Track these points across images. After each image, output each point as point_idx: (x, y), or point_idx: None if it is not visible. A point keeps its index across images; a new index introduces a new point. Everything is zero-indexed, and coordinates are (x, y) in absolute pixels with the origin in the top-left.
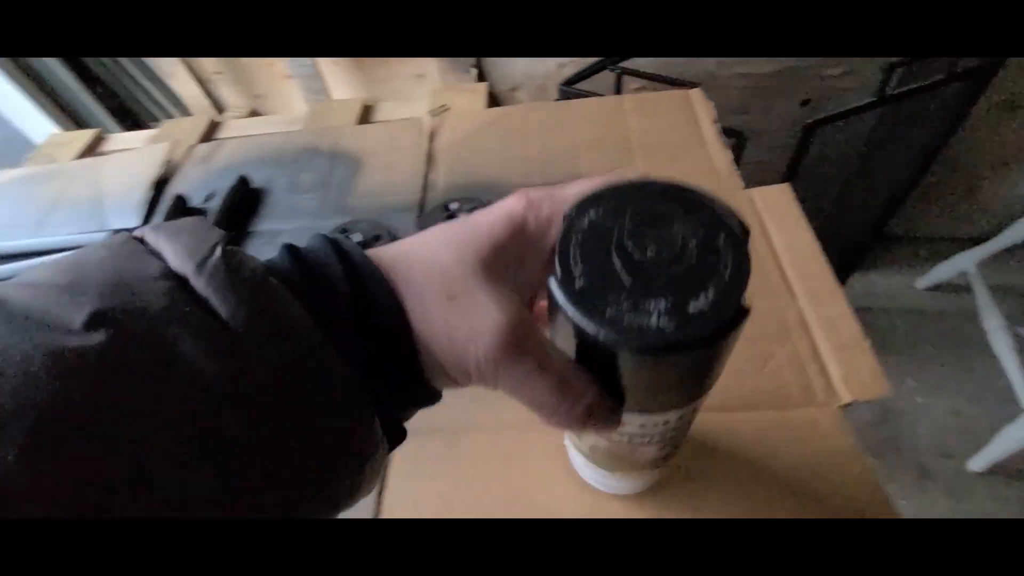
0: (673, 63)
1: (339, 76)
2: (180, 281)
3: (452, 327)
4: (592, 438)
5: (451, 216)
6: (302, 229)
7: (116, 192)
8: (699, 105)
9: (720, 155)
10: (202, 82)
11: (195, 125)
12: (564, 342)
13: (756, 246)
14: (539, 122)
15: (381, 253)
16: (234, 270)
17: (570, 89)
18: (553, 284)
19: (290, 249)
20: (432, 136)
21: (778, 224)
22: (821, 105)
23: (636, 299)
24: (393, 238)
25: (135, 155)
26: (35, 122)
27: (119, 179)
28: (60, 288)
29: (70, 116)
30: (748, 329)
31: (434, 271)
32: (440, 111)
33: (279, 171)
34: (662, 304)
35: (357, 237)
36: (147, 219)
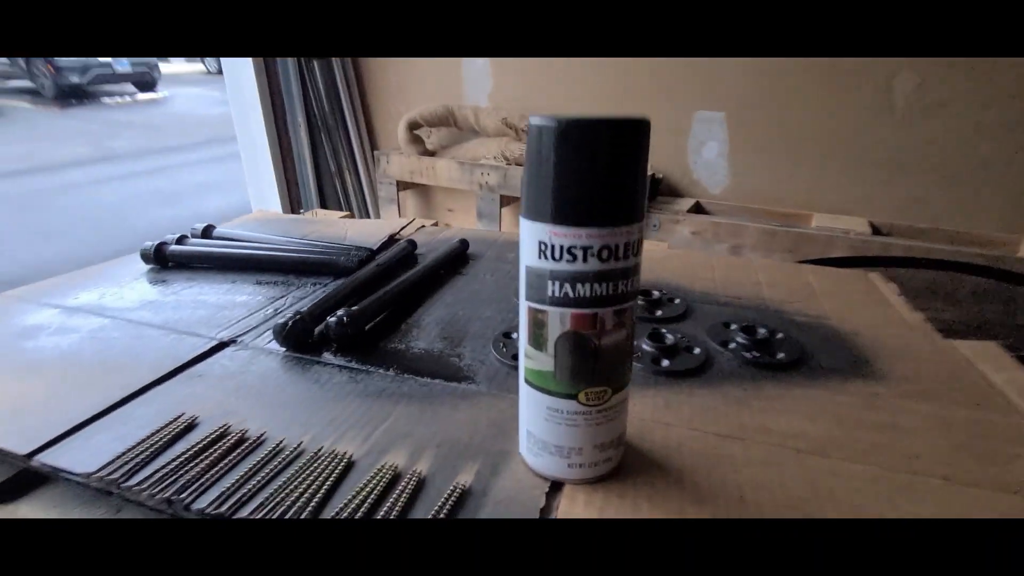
0: None
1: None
2: None
3: None
4: None
5: (652, 301)
6: (503, 279)
7: (359, 236)
8: (879, 282)
9: (909, 314)
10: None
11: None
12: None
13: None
14: (720, 262)
15: None
16: None
17: None
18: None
19: None
20: None
21: (993, 365)
22: None
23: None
24: None
25: (379, 220)
26: (262, 196)
27: (363, 230)
28: None
29: (292, 196)
30: None
31: None
32: None
33: (490, 247)
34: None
35: None
36: (379, 250)
